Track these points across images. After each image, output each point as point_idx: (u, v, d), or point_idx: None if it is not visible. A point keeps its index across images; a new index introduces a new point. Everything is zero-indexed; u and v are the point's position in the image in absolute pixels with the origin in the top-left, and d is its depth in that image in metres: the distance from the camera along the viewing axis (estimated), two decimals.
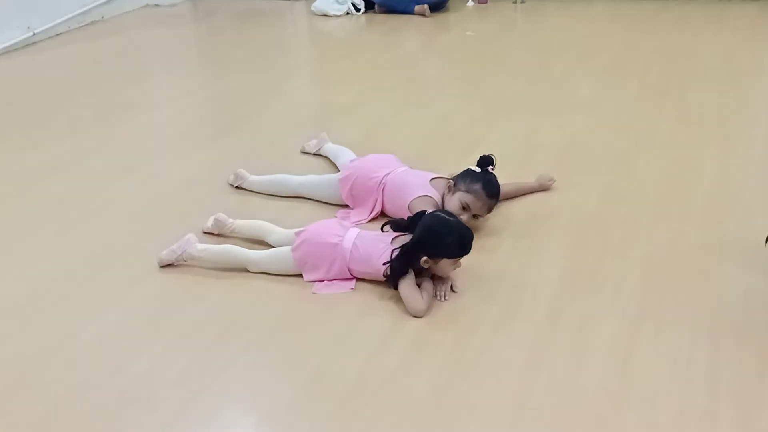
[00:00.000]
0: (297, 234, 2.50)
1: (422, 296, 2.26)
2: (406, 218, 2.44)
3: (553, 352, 2.09)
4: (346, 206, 2.88)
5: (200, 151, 3.61)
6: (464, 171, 2.71)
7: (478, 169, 2.69)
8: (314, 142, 3.39)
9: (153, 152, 3.59)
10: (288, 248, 2.47)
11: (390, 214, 2.80)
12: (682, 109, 3.83)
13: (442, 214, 2.38)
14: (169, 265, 2.54)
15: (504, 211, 2.83)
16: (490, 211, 2.69)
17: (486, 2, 6.36)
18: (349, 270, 2.40)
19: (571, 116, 3.81)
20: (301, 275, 2.45)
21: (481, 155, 2.74)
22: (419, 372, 2.04)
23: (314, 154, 3.38)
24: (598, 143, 3.47)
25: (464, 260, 2.54)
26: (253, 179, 3.06)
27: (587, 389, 1.95)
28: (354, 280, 2.41)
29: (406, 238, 2.36)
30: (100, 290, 2.47)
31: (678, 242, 2.60)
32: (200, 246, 2.54)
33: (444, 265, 2.32)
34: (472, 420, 1.87)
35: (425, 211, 2.41)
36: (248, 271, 2.49)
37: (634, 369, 2.01)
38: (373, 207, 2.80)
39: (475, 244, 2.64)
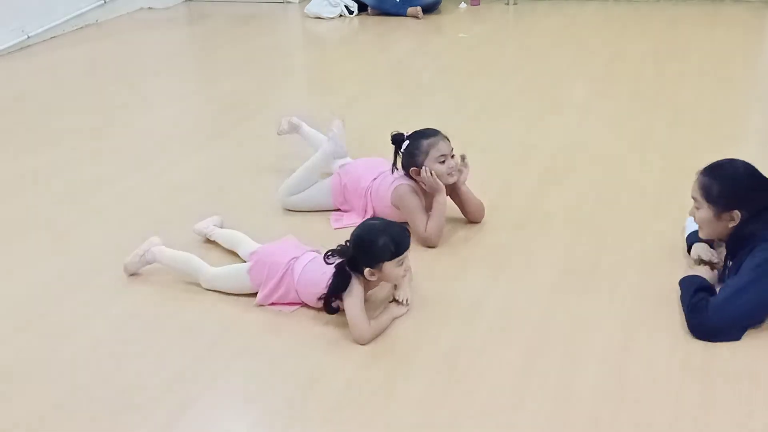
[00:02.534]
0: (251, 255, 2.42)
1: (370, 323, 2.17)
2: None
3: (547, 355, 2.10)
4: (337, 210, 2.89)
5: (194, 154, 3.61)
6: (405, 153, 2.67)
7: (406, 142, 2.68)
8: (285, 125, 3.28)
9: (147, 156, 3.59)
10: (244, 267, 2.40)
11: (382, 217, 2.81)
12: (676, 110, 3.85)
13: (369, 221, 2.31)
14: (135, 275, 2.52)
15: (498, 212, 2.84)
16: (447, 140, 2.67)
17: (478, 4, 6.38)
18: (296, 292, 2.32)
19: (564, 117, 3.82)
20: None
21: (392, 141, 2.71)
22: (413, 375, 2.05)
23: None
24: (591, 145, 3.48)
25: (459, 263, 2.56)
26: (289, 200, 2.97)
27: (582, 391, 1.95)
28: (298, 305, 2.34)
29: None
30: (94, 294, 2.47)
31: (672, 244, 2.61)
32: (163, 249, 2.50)
33: (388, 269, 2.21)
34: (467, 423, 1.88)
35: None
36: (200, 286, 2.44)
37: (629, 371, 2.02)
38: (365, 212, 2.82)
39: (469, 245, 2.66)
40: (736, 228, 2.19)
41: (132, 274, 2.52)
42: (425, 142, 2.65)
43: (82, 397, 2.01)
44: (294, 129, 3.27)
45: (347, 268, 2.21)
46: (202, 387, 2.04)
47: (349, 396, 1.98)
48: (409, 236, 2.28)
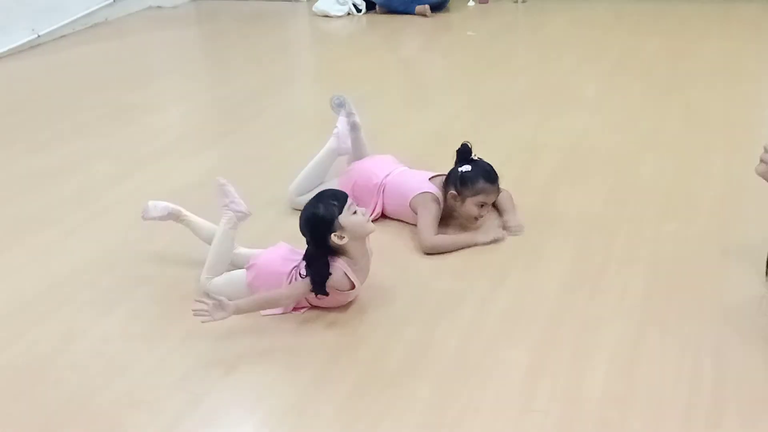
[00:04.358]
0: (248, 268, 2.35)
1: (283, 296, 2.21)
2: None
3: (557, 355, 2.09)
4: None
5: (202, 153, 3.62)
6: (460, 175, 2.66)
7: (468, 166, 2.67)
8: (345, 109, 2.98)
9: (156, 155, 3.60)
10: (242, 279, 2.34)
11: (391, 215, 2.81)
12: (687, 110, 3.82)
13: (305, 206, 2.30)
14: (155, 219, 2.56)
15: None
16: (499, 192, 2.72)
17: (487, 2, 6.35)
18: (306, 299, 2.30)
19: (574, 117, 3.80)
20: None
21: (457, 150, 2.72)
22: (421, 374, 2.04)
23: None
24: (602, 144, 3.46)
25: (467, 262, 2.55)
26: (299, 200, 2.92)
27: (592, 393, 1.94)
28: (306, 308, 2.33)
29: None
30: (103, 292, 2.48)
31: (683, 244, 2.59)
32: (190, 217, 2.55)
33: (346, 221, 2.21)
34: (475, 423, 1.87)
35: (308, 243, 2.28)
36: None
37: (639, 372, 2.00)
38: (374, 209, 2.81)
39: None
40: None
41: (148, 219, 2.56)
42: (482, 186, 2.64)
43: (90, 395, 2.02)
44: (348, 112, 2.96)
45: (317, 255, 2.21)
46: (208, 387, 2.04)
47: (355, 396, 1.98)
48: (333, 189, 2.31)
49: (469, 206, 2.65)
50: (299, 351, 2.17)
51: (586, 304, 2.30)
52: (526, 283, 2.43)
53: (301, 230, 2.27)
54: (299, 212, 2.89)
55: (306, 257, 2.24)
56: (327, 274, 2.20)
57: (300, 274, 2.23)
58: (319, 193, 2.34)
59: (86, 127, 3.96)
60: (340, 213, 2.21)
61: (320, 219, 2.21)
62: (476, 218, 2.68)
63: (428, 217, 2.64)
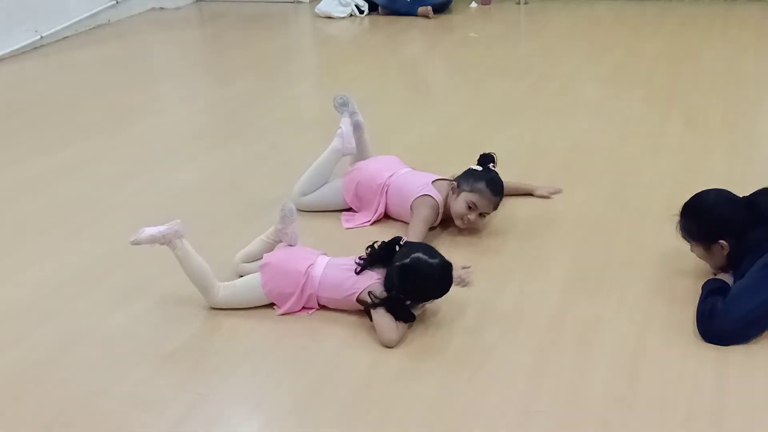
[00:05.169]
0: (262, 267, 2.32)
1: (397, 326, 2.15)
2: (377, 246, 2.28)
3: (559, 357, 2.09)
4: (348, 210, 2.90)
5: (206, 155, 3.63)
6: (466, 171, 2.73)
7: (480, 168, 2.71)
8: (348, 109, 2.97)
9: (159, 156, 3.61)
10: (257, 281, 2.32)
11: (393, 216, 2.82)
12: (689, 112, 3.83)
13: (423, 256, 2.20)
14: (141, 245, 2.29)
15: (509, 213, 2.84)
16: (495, 208, 2.70)
17: (489, 3, 6.37)
18: (317, 298, 2.30)
19: (576, 119, 3.81)
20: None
21: (482, 153, 2.76)
22: (424, 376, 2.05)
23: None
24: (603, 146, 3.47)
25: (469, 261, 2.55)
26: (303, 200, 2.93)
27: (594, 394, 1.95)
28: (315, 309, 2.32)
29: (377, 270, 2.25)
30: (106, 294, 2.49)
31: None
32: (186, 243, 2.30)
33: (422, 309, 2.27)
34: (477, 425, 1.88)
35: (400, 237, 2.29)
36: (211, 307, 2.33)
37: (641, 374, 2.01)
38: (376, 209, 2.82)
39: (480, 246, 2.67)
40: (729, 253, 2.24)
41: (136, 244, 2.29)
42: (481, 187, 2.64)
43: (94, 396, 2.02)
44: (352, 112, 2.96)
45: (401, 303, 2.19)
46: (213, 386, 2.05)
47: (359, 396, 1.98)
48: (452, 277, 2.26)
49: (460, 202, 2.65)
50: (302, 352, 2.17)
51: (587, 305, 2.31)
52: (528, 284, 2.44)
53: (402, 272, 2.18)
54: (303, 212, 2.93)
55: (389, 300, 2.18)
56: (413, 316, 2.20)
57: (370, 312, 2.20)
58: (450, 265, 2.24)
59: (89, 129, 3.97)
60: (436, 298, 2.24)
61: (422, 292, 2.21)
62: (461, 218, 2.66)
63: (422, 225, 2.64)
